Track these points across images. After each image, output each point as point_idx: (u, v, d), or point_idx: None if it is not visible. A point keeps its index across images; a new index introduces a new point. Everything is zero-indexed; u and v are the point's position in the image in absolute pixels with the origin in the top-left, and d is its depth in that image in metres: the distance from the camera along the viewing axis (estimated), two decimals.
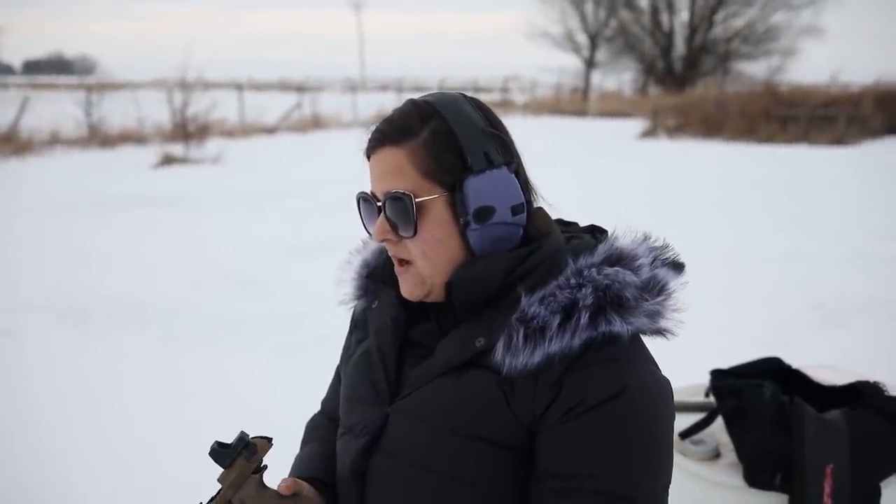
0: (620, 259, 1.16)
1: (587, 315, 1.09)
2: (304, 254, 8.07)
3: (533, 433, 1.10)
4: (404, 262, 1.19)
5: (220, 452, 1.18)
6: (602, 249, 1.17)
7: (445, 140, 1.15)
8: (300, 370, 4.79)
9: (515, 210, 1.16)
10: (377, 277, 1.31)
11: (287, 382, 4.68)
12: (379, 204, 1.17)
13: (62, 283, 6.99)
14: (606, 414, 1.07)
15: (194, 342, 5.57)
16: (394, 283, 1.26)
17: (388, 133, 1.17)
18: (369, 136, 1.21)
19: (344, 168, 14.04)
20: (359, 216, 1.23)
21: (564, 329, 1.09)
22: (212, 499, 1.20)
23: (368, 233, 1.24)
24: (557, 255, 1.17)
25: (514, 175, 1.16)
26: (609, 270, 1.13)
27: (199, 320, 6.01)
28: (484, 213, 1.14)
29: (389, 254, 1.21)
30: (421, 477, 1.14)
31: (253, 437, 1.21)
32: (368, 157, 1.20)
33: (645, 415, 1.09)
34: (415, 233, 1.14)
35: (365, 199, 1.20)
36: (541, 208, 1.23)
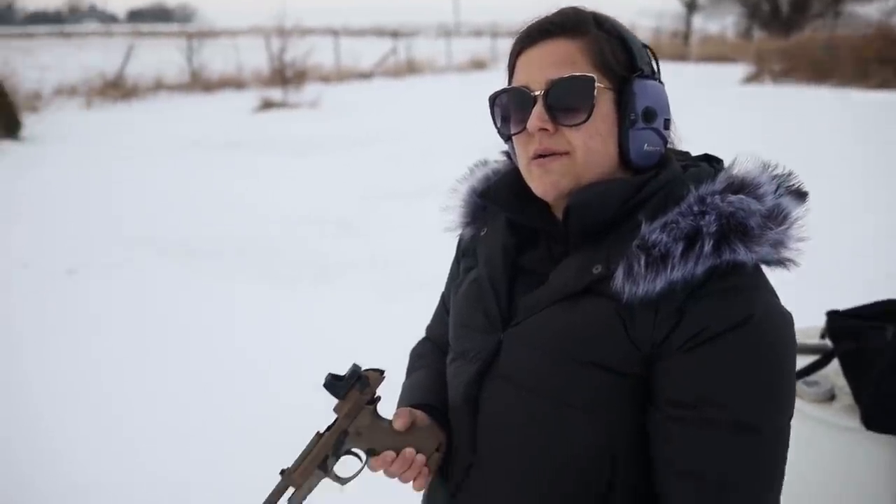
0: (743, 187, 1.12)
1: (711, 243, 1.06)
2: (399, 197, 8.12)
3: (652, 361, 1.08)
4: (555, 155, 1.15)
5: (334, 384, 1.21)
6: (724, 177, 1.14)
7: (617, 41, 1.18)
8: (400, 310, 4.86)
9: (666, 125, 1.18)
10: (489, 197, 1.28)
11: (387, 322, 4.75)
12: (535, 93, 1.15)
13: (167, 222, 7.24)
14: (730, 342, 1.05)
15: (294, 281, 5.70)
16: (508, 204, 1.25)
17: (561, 25, 1.17)
18: (528, 30, 1.19)
19: (439, 113, 14.03)
20: (493, 118, 1.22)
21: (687, 257, 1.06)
22: (328, 428, 1.23)
23: (503, 135, 1.23)
24: (676, 182, 1.15)
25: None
26: (733, 198, 1.10)
27: (297, 260, 6.15)
28: (650, 115, 1.16)
29: (530, 153, 1.16)
30: (534, 402, 1.14)
31: (365, 370, 1.24)
32: (521, 52, 1.19)
33: (770, 345, 1.06)
34: (588, 116, 1.13)
35: (513, 92, 1.18)
36: None
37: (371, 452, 1.22)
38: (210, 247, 6.47)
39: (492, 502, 1.20)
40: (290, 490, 1.23)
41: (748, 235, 1.08)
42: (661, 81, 1.22)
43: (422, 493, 1.34)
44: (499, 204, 1.26)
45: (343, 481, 1.25)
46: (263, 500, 1.23)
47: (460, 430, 1.24)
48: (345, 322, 4.89)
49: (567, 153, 1.14)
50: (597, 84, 1.13)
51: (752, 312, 1.05)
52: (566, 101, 1.13)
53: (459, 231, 1.39)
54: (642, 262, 1.07)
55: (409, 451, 1.21)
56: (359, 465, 1.24)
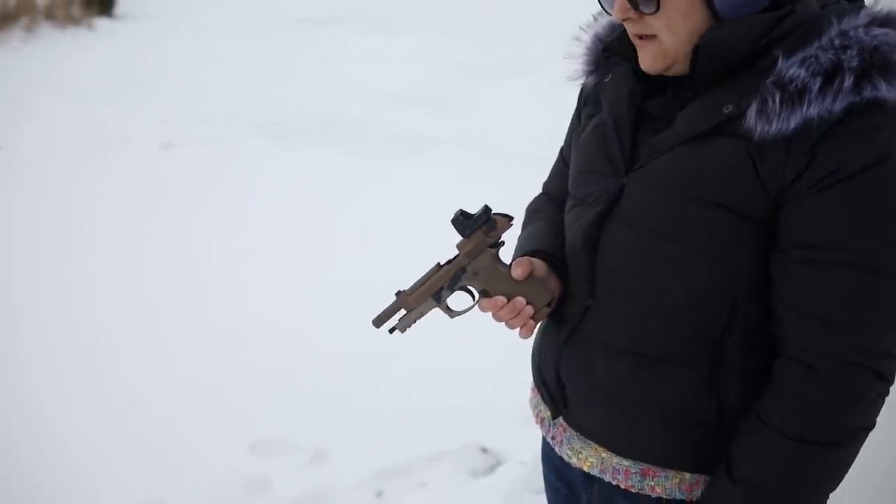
0: (888, 22, 1.06)
1: (851, 78, 1.02)
2: (489, 75, 7.98)
3: (779, 203, 1.06)
4: (645, 37, 1.13)
5: (462, 222, 1.23)
6: (867, 11, 1.08)
7: None
8: (489, 184, 4.85)
9: None
10: (613, 50, 1.25)
11: (475, 196, 4.72)
12: None
13: (260, 98, 7.27)
14: (861, 185, 1.02)
15: (382, 156, 5.75)
16: (630, 55, 1.21)
17: None
18: None
19: None
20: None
21: (825, 93, 1.02)
22: (448, 262, 1.26)
23: (606, 11, 1.20)
24: (815, 18, 1.09)
25: None
26: (877, 31, 1.04)
27: (386, 136, 6.16)
28: None
29: (629, 32, 1.16)
30: (655, 245, 1.13)
31: (495, 213, 1.24)
32: None
33: None
34: (657, 8, 1.09)
35: None
36: None
37: (484, 293, 1.25)
38: (300, 122, 6.52)
39: (607, 344, 1.21)
40: (402, 312, 1.27)
41: (891, 71, 1.03)
42: None
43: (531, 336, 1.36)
44: (622, 56, 1.23)
45: (453, 314, 1.30)
46: (377, 314, 1.28)
47: (578, 274, 1.24)
48: (432, 195, 4.91)
49: (654, 36, 1.12)
50: None
51: (887, 154, 1.02)
52: None
53: (582, 80, 1.36)
54: (777, 99, 1.04)
55: (519, 300, 1.23)
56: (471, 302, 1.27)
